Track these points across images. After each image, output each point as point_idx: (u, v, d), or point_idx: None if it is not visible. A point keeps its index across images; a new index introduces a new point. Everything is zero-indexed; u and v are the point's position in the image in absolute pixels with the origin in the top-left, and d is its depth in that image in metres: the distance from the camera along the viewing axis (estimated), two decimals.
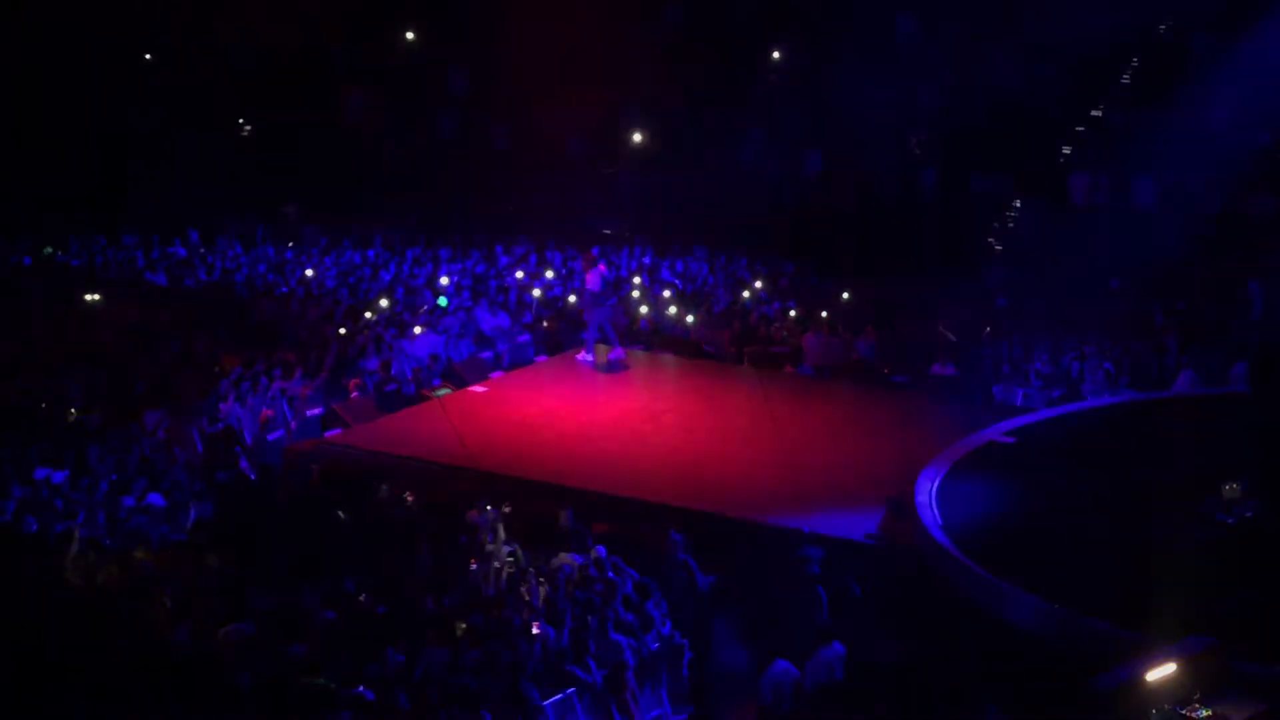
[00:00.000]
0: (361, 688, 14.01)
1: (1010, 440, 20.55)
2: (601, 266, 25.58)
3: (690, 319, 28.05)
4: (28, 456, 19.71)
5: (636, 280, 31.07)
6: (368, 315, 27.47)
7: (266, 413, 22.73)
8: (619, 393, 24.36)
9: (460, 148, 38.50)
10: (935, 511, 17.82)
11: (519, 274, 31.51)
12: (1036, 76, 33.71)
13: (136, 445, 20.67)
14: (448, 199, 36.51)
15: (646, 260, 33.19)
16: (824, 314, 27.97)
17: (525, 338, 27.62)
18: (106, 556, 16.97)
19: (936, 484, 18.71)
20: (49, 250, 32.32)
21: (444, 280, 30.38)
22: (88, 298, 27.52)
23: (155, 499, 18.91)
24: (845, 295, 29.04)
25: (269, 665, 14.44)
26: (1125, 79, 34.14)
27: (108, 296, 28.13)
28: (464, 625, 15.51)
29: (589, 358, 25.07)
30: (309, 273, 31.28)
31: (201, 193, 35.35)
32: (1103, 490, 18.13)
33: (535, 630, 15.52)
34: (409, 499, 19.32)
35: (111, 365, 24.42)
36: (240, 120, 39.52)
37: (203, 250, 33.46)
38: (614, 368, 24.95)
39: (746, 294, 30.10)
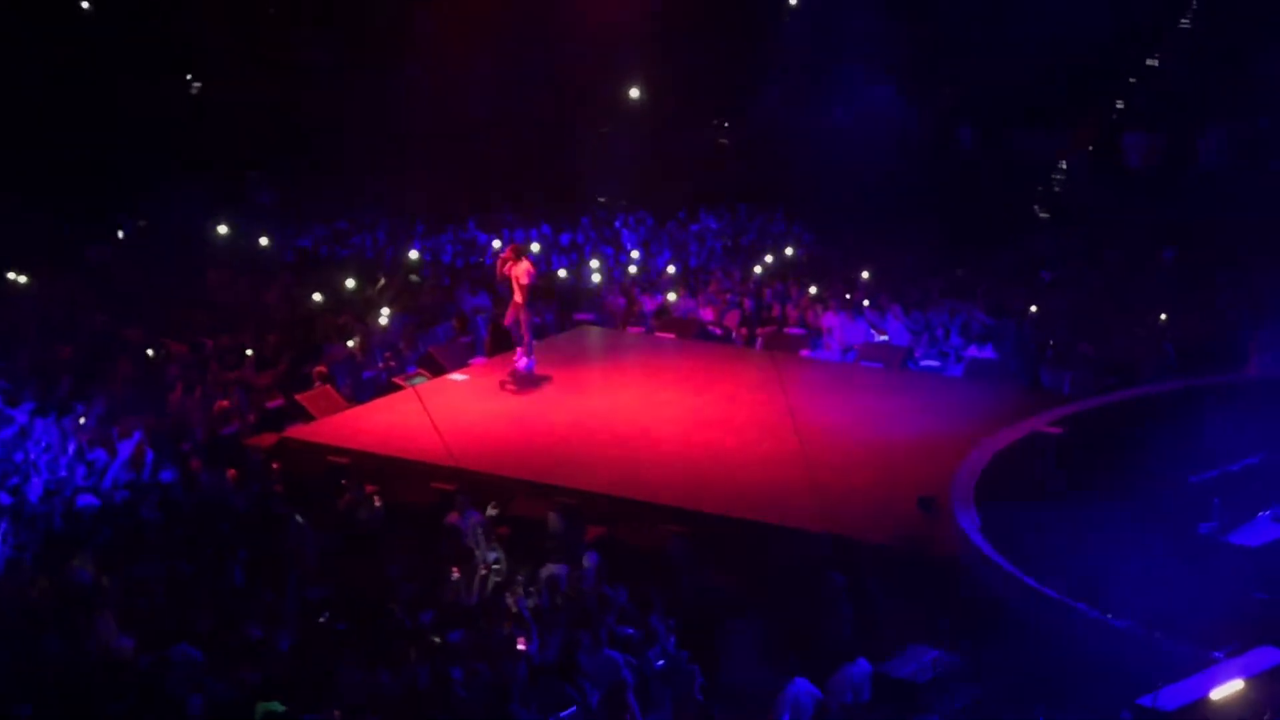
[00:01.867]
0: (323, 714, 14.09)
1: (1057, 431, 20.59)
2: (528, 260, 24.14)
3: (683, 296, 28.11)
4: None
5: (635, 254, 31.17)
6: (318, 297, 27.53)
7: (221, 404, 22.78)
8: (615, 381, 24.41)
9: (431, 107, 38.50)
10: (973, 512, 17.89)
11: (496, 244, 31.62)
12: (1085, 22, 33.74)
13: (72, 440, 20.75)
14: (418, 164, 36.50)
15: (643, 231, 33.31)
16: (846, 290, 28.05)
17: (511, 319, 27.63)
18: (37, 565, 17.04)
19: (974, 481, 18.78)
20: None
21: (413, 255, 30.47)
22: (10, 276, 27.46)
23: (88, 500, 18.97)
24: (865, 275, 29.06)
25: (221, 688, 14.51)
26: (1185, 23, 34.15)
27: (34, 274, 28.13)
28: (442, 641, 15.59)
29: (530, 363, 24.07)
30: (263, 241, 31.32)
31: (145, 157, 35.26)
32: (1161, 488, 18.18)
33: (521, 646, 15.60)
34: (377, 501, 19.40)
35: (32, 349, 24.45)
36: (189, 78, 39.47)
37: (142, 223, 33.44)
38: (523, 379, 23.91)
39: (758, 268, 30.17)
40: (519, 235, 32.91)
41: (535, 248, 31.55)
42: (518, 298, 23.55)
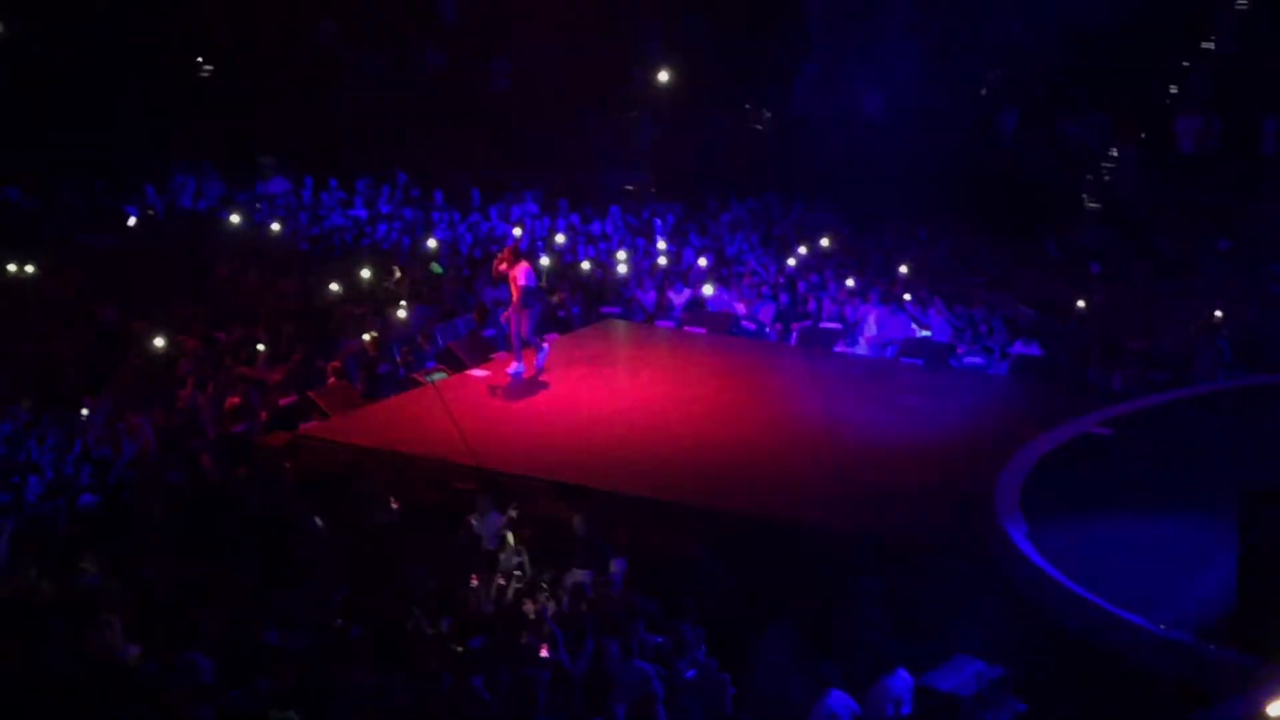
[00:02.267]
0: None
1: (1106, 432, 20.46)
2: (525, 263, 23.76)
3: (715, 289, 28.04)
4: None
5: (662, 245, 31.08)
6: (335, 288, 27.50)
7: (232, 400, 22.74)
8: (643, 377, 24.34)
9: (451, 87, 38.49)
10: (1019, 517, 17.76)
11: (516, 231, 31.57)
12: (1134, 3, 33.54)
13: (79, 439, 20.75)
14: (436, 147, 36.46)
15: (670, 219, 33.23)
16: (885, 283, 27.93)
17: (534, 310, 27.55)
18: (42, 567, 17.01)
19: (1019, 484, 18.65)
20: None
21: (432, 244, 30.40)
22: (11, 268, 27.40)
23: (89, 499, 18.95)
24: (903, 269, 28.94)
25: (233, 695, 14.47)
26: (1242, 3, 33.92)
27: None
28: (462, 648, 15.52)
29: (520, 369, 23.83)
30: (275, 227, 31.31)
31: (151, 138, 35.27)
32: (1216, 492, 18.03)
33: (544, 654, 15.52)
34: (394, 502, 19.34)
35: (36, 344, 24.46)
36: (199, 60, 39.48)
37: (151, 211, 33.47)
38: (517, 388, 23.63)
39: (792, 260, 30.06)
40: (542, 225, 32.87)
41: (561, 239, 31.47)
42: (515, 300, 23.35)
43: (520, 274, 23.20)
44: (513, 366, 23.68)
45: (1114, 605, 15.62)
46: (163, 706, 14.25)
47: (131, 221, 32.76)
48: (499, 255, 24.14)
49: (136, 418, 21.76)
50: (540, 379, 23.89)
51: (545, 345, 24.15)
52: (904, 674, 15.06)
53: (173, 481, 20.19)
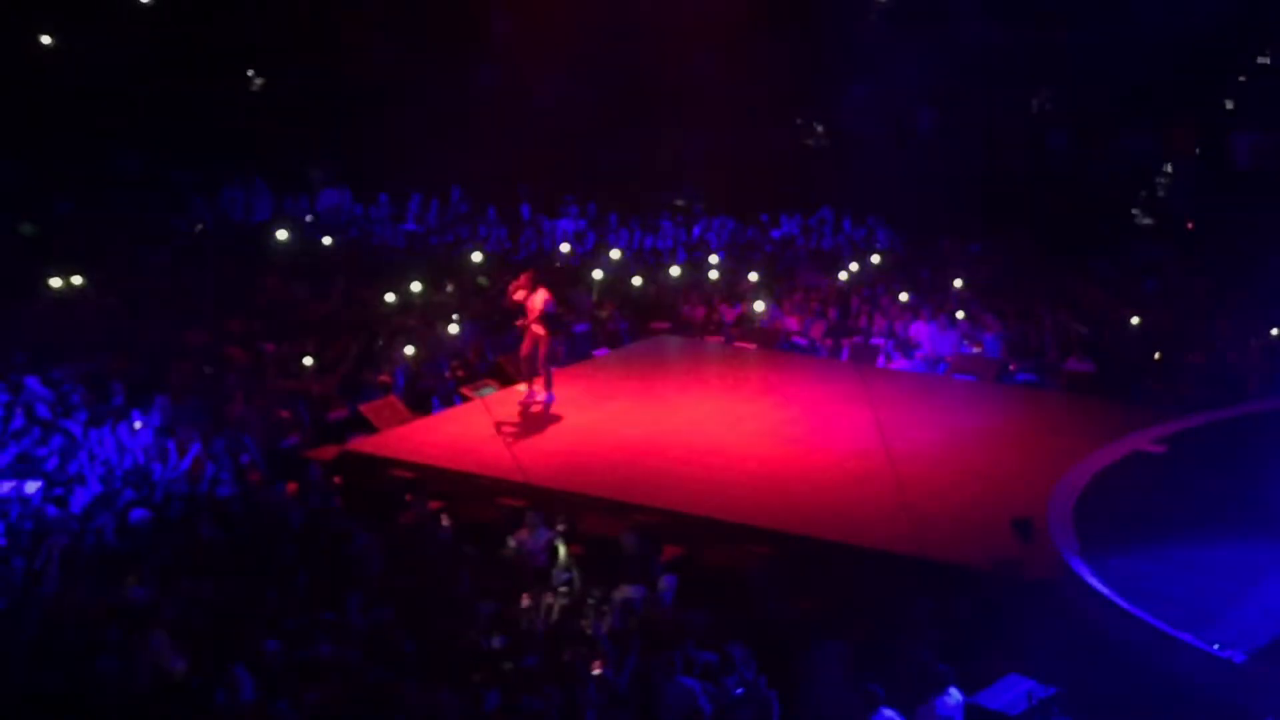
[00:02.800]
0: None
1: (1160, 449, 20.34)
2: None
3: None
4: None
5: (713, 260, 31.04)
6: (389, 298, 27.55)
7: (281, 415, 22.79)
8: (693, 393, 24.29)
9: (502, 102, 38.55)
10: (1072, 535, 17.66)
11: (564, 247, 31.57)
12: (1190, 17, 33.36)
13: (129, 453, 20.81)
14: (487, 162, 36.51)
15: (722, 235, 33.22)
16: (938, 299, 27.84)
17: (583, 328, 27.59)
18: (92, 582, 17.07)
19: (1073, 502, 18.55)
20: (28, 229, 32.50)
21: (478, 257, 30.45)
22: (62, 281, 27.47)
23: (140, 514, 19.00)
24: (958, 283, 28.85)
25: (282, 708, 14.49)
26: None
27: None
28: (512, 665, 15.50)
29: (550, 397, 23.19)
30: (326, 240, 31.39)
31: (202, 152, 35.41)
32: (1269, 510, 17.92)
33: (595, 671, 15.48)
34: (445, 520, 19.34)
35: (88, 358, 24.53)
36: (249, 73, 39.66)
37: (201, 226, 33.61)
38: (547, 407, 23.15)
39: (844, 275, 29.99)
40: (591, 240, 32.91)
41: (615, 254, 31.44)
42: (537, 329, 22.74)
43: (541, 301, 22.68)
44: (542, 394, 23.08)
45: (1166, 624, 15.53)
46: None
47: (188, 233, 32.89)
48: (515, 281, 23.32)
49: (186, 431, 21.83)
50: (588, 393, 23.89)
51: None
52: (955, 693, 14.98)
53: (221, 496, 20.23)
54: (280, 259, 31.07)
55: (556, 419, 23.03)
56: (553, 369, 23.20)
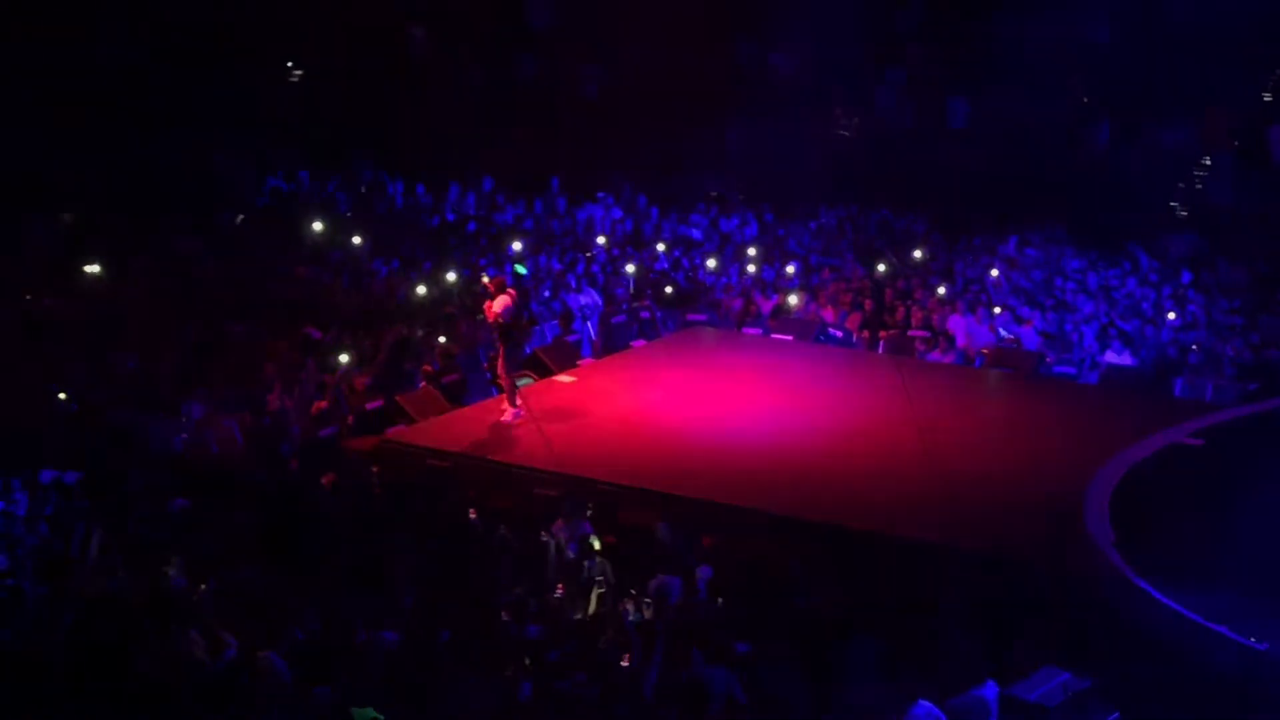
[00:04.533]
0: None
1: (1197, 443, 20.30)
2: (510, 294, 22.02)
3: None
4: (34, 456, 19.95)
5: (752, 252, 31.04)
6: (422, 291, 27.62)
7: (319, 405, 22.88)
8: (728, 385, 24.28)
9: (542, 92, 38.62)
10: (1108, 527, 17.64)
11: (600, 239, 31.62)
12: (1228, 7, 33.22)
13: (168, 443, 20.94)
14: (526, 152, 36.58)
15: (758, 226, 33.23)
16: (974, 291, 27.80)
17: (621, 319, 27.63)
18: (133, 569, 17.17)
19: (1109, 494, 18.52)
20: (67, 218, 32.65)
21: (517, 246, 30.51)
22: (88, 269, 27.57)
23: (180, 503, 19.11)
24: (995, 274, 28.85)
25: (320, 693, 14.56)
26: None
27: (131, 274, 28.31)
28: (546, 654, 15.54)
29: (517, 412, 22.32)
30: (357, 241, 31.49)
31: (244, 143, 35.53)
32: None
33: (625, 664, 15.51)
34: (481, 507, 19.38)
35: (138, 349, 24.67)
36: (289, 65, 39.77)
37: (241, 218, 33.72)
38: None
39: (881, 267, 29.98)
40: (625, 229, 32.97)
41: (662, 247, 31.45)
42: (495, 336, 22.21)
43: (497, 306, 21.72)
44: (508, 412, 22.31)
45: (1202, 616, 15.51)
46: (243, 705, 14.37)
47: (228, 223, 33.05)
48: (493, 282, 22.15)
49: (226, 421, 21.95)
50: (624, 385, 23.92)
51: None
52: (992, 685, 14.97)
53: (260, 484, 20.33)
54: (318, 249, 31.19)
55: (592, 410, 23.07)
56: (516, 380, 22.52)
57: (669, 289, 29.08)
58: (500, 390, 23.22)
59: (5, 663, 14.87)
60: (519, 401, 22.32)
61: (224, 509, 19.13)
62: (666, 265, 30.51)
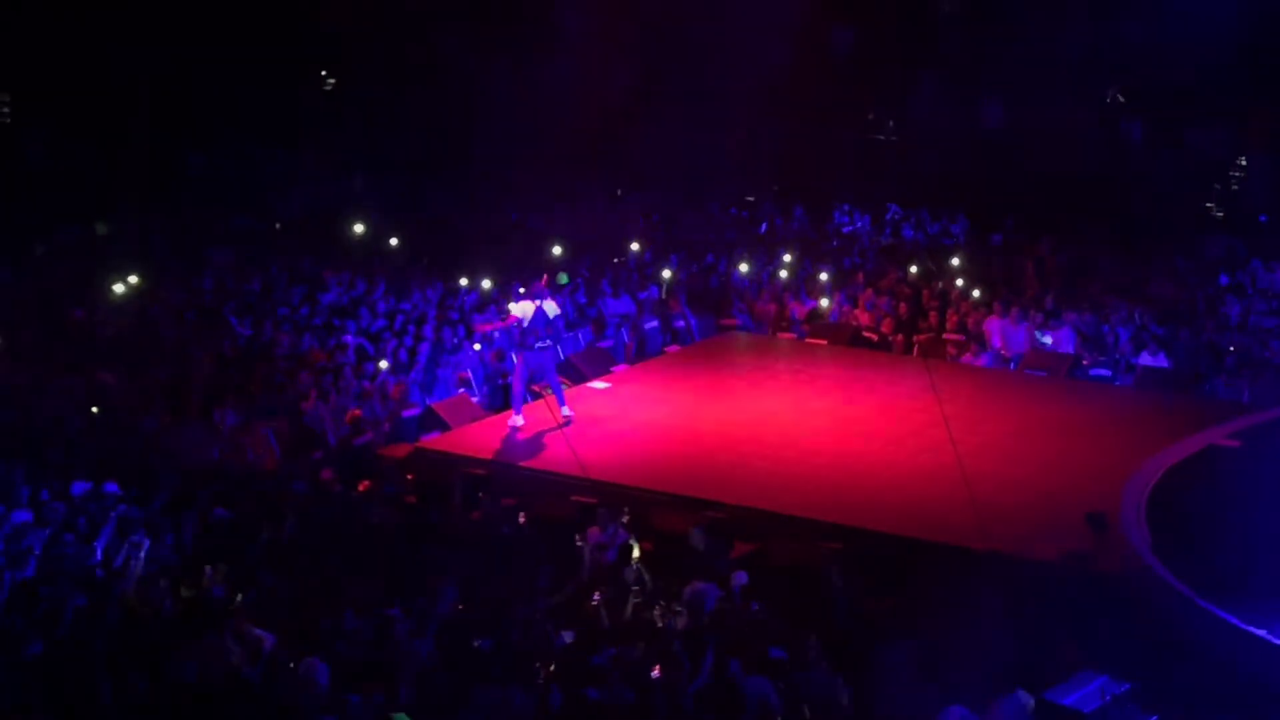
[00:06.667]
0: None
1: (1235, 444, 20.25)
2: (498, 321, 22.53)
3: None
4: (68, 467, 20.04)
5: (788, 259, 31.05)
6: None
7: (354, 412, 22.98)
8: (763, 389, 24.34)
9: (574, 92, 38.60)
10: (1145, 529, 17.63)
11: (634, 245, 31.69)
12: (1266, 6, 33.11)
13: (211, 450, 21.04)
14: (557, 151, 36.60)
15: (794, 230, 33.25)
16: (1009, 294, 27.78)
17: (653, 324, 27.69)
18: (176, 579, 17.27)
19: (1146, 496, 18.51)
20: (101, 228, 32.80)
21: (557, 250, 30.59)
22: (118, 286, 27.61)
23: (221, 513, 19.20)
24: (1030, 278, 28.81)
25: (354, 701, 14.62)
26: None
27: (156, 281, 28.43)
28: (582, 662, 15.58)
29: (520, 421, 22.64)
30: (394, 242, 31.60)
31: (276, 150, 35.66)
32: None
33: (655, 674, 15.54)
34: (521, 517, 19.44)
35: (167, 358, 24.79)
36: (324, 73, 39.91)
37: (278, 226, 33.83)
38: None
39: (915, 270, 29.98)
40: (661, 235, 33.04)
41: (685, 253, 31.52)
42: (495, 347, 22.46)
43: (519, 310, 21.97)
44: (513, 419, 22.56)
45: (1240, 619, 15.50)
46: (282, 712, 14.44)
47: (263, 229, 33.18)
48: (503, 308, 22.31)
49: (261, 429, 22.06)
50: (658, 391, 23.99)
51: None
52: (1023, 694, 14.98)
53: (296, 493, 20.40)
54: (353, 253, 31.28)
55: (627, 416, 23.14)
56: (523, 394, 22.60)
57: (701, 294, 29.12)
58: (536, 397, 23.27)
59: (43, 674, 14.96)
60: (566, 409, 22.43)
61: (261, 517, 19.22)
62: (699, 269, 30.55)
